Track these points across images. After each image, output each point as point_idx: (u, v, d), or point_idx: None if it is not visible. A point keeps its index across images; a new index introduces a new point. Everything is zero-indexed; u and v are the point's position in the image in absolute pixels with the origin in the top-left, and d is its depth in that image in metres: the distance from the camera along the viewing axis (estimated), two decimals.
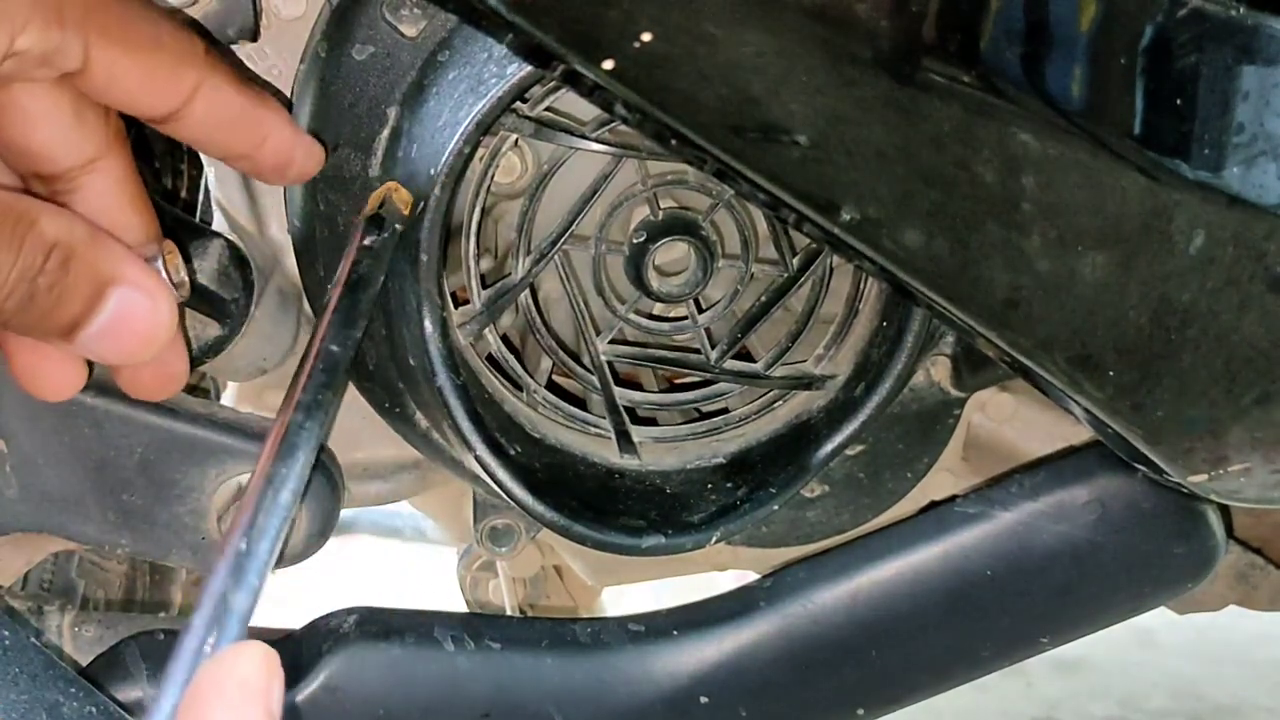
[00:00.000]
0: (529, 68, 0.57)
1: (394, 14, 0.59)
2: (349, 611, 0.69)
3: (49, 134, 0.53)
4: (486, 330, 0.66)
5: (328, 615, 0.69)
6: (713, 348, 0.69)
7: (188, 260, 0.62)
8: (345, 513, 0.73)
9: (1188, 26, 0.53)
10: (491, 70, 0.58)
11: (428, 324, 0.61)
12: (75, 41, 0.50)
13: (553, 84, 0.61)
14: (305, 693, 0.65)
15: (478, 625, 0.69)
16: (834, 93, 0.51)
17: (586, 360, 0.69)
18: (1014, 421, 0.77)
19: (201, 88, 0.53)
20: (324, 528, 0.70)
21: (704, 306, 0.69)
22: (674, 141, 0.54)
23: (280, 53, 0.62)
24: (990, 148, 0.53)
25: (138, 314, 0.53)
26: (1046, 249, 0.55)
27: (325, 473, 0.69)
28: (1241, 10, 0.54)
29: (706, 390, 0.71)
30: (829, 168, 0.52)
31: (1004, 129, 0.53)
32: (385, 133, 0.61)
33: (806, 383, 0.70)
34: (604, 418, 0.69)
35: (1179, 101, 0.54)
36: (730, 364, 0.69)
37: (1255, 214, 0.56)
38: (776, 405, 0.71)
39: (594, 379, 0.68)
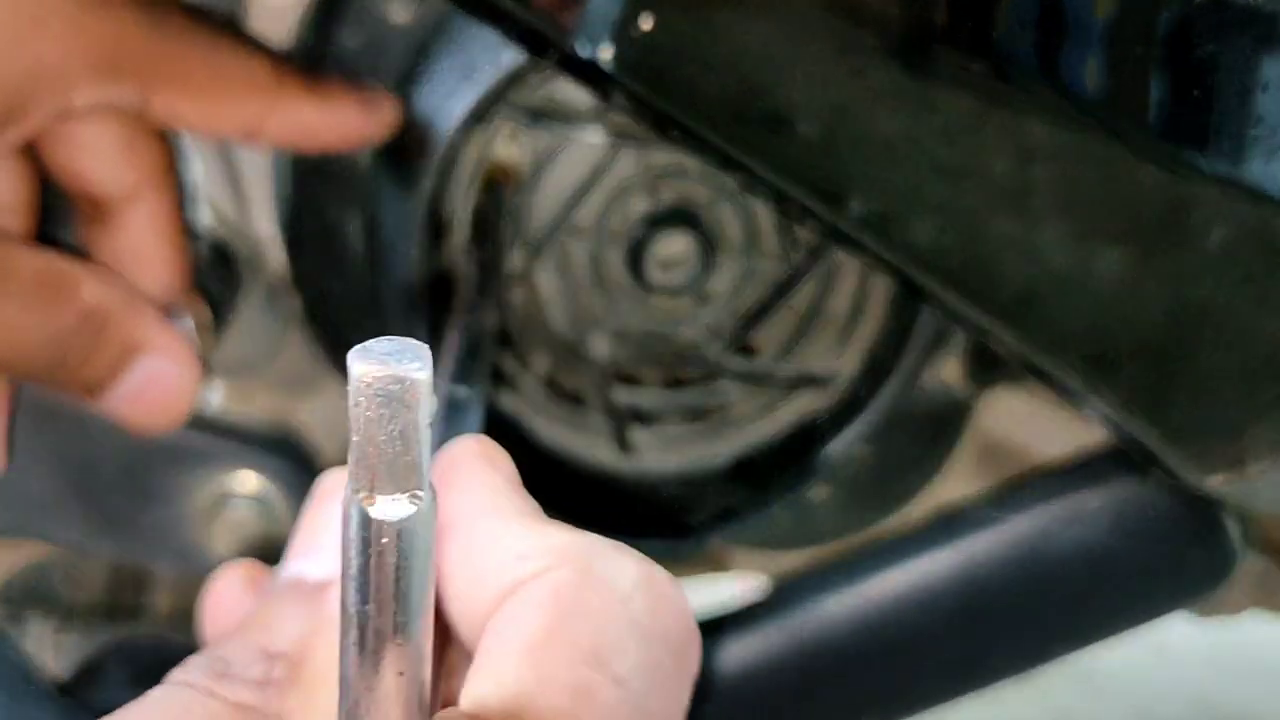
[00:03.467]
0: (523, 55, 0.57)
1: (384, 0, 0.59)
2: None
3: (95, 163, 0.54)
4: None
5: None
6: (714, 345, 0.68)
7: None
8: None
9: (1206, 15, 0.53)
10: (485, 58, 0.58)
11: None
12: (132, 91, 0.50)
13: (548, 72, 0.60)
14: None
15: None
16: (842, 82, 0.50)
17: (584, 357, 0.68)
18: (1026, 423, 0.76)
19: (272, 111, 0.54)
20: None
21: (705, 302, 0.68)
22: (675, 132, 0.53)
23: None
24: (1003, 138, 0.53)
25: (163, 381, 0.55)
26: (1061, 244, 0.55)
27: None
28: None
29: (707, 388, 0.70)
30: (835, 159, 0.52)
31: (1017, 119, 0.53)
32: None
33: (811, 381, 0.70)
34: (602, 416, 0.68)
35: (1197, 92, 0.54)
36: (732, 361, 0.69)
37: (1276, 208, 0.56)
38: (780, 405, 0.71)
39: (592, 376, 0.68)
